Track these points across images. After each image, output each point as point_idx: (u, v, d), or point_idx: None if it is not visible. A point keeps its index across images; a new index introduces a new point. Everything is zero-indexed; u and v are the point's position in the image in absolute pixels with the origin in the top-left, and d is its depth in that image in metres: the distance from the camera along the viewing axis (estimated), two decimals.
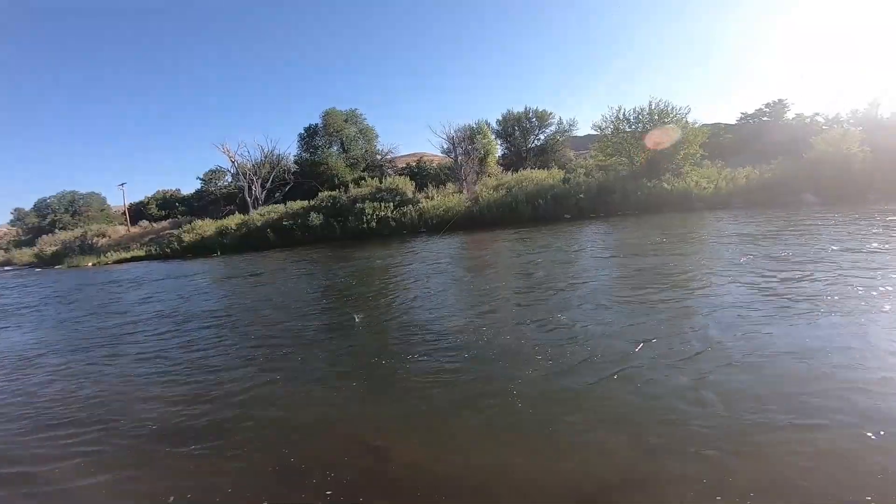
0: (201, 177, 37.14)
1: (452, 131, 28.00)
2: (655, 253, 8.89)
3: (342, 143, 34.71)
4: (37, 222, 41.93)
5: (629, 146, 23.32)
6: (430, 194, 23.77)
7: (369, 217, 21.65)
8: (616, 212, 19.72)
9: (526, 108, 36.47)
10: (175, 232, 27.86)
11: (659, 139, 21.93)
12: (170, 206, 38.68)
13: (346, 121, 35.11)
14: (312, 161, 33.58)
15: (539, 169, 26.35)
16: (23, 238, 41.70)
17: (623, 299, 5.78)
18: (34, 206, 44.01)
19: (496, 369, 3.98)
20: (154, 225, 32.96)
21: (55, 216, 41.23)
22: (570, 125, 36.70)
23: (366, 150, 35.30)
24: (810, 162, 17.70)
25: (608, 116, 24.64)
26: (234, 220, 25.70)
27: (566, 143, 36.37)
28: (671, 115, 22.67)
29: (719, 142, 27.12)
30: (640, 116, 23.46)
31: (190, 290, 11.33)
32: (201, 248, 23.89)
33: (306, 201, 25.15)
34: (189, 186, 44.10)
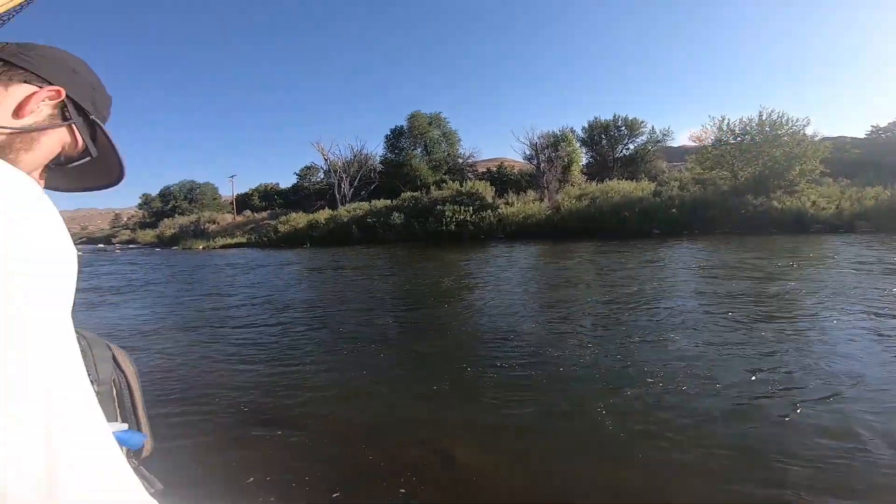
0: (297, 172, 40.60)
1: (535, 137, 27.64)
2: (769, 277, 7.97)
3: (426, 146, 35.86)
4: (160, 207, 48.51)
5: (732, 159, 21.34)
6: (510, 200, 23.64)
7: (448, 220, 22.07)
8: (713, 230, 18.07)
9: (615, 116, 34.87)
10: (272, 222, 30.71)
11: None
12: (269, 198, 42.71)
13: (430, 124, 36.22)
14: (397, 162, 35.09)
15: (626, 180, 25.00)
16: (147, 220, 48.55)
17: (727, 324, 5.23)
18: (159, 192, 50.99)
19: (574, 386, 3.84)
20: (255, 215, 36.64)
21: (175, 202, 47.41)
22: (664, 135, 34.48)
23: (448, 154, 36.09)
24: None
25: (709, 127, 22.89)
26: (323, 215, 27.67)
27: (658, 153, 34.12)
28: (785, 128, 20.30)
29: (843, 157, 23.72)
30: (748, 128, 21.36)
31: (285, 278, 12.39)
32: (293, 239, 26.05)
33: (389, 200, 26.32)
34: (286, 181, 48.41)
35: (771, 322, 5.25)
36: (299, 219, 28.52)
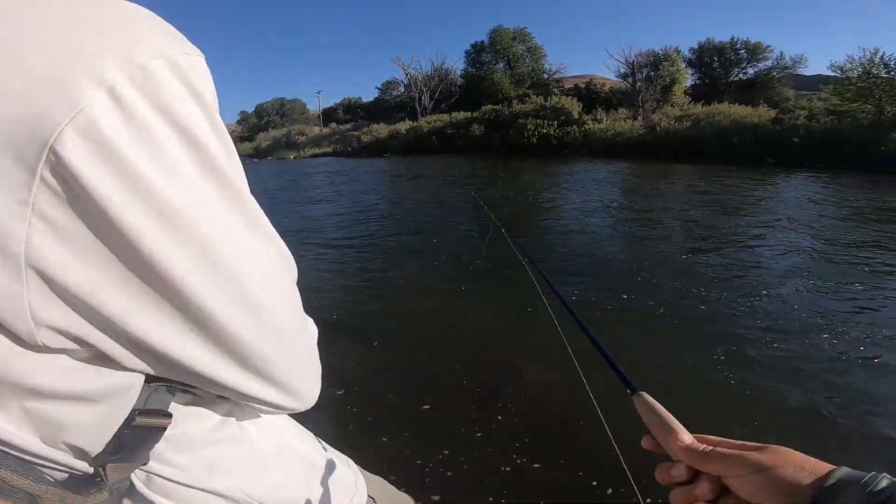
0: (379, 87, 40.65)
1: (633, 56, 24.94)
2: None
3: (508, 61, 33.77)
4: (256, 122, 51.75)
5: (881, 93, 17.89)
6: (598, 117, 21.99)
7: (530, 133, 21.23)
8: (842, 165, 15.56)
9: (733, 39, 29.78)
10: (356, 133, 31.63)
11: None
12: (353, 111, 43.72)
13: (513, 39, 33.82)
14: (478, 76, 33.64)
15: (741, 105, 21.90)
16: (244, 134, 52.30)
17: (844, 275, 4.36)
18: (255, 109, 54.19)
19: (647, 309, 3.64)
20: (340, 127, 37.90)
21: (269, 117, 50.25)
22: (795, 61, 29.00)
23: (532, 69, 33.79)
24: None
25: (858, 57, 19.10)
26: (403, 126, 27.90)
27: (786, 80, 29.10)
28: None
29: None
30: None
31: (367, 184, 12.92)
32: (376, 148, 26.82)
33: (469, 113, 25.71)
34: (368, 95, 48.79)
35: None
36: (381, 130, 29.05)
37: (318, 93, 43.27)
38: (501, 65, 33.98)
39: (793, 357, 2.87)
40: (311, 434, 0.61)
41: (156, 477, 0.37)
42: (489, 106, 25.64)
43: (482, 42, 34.75)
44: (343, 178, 14.99)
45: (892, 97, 17.99)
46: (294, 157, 31.57)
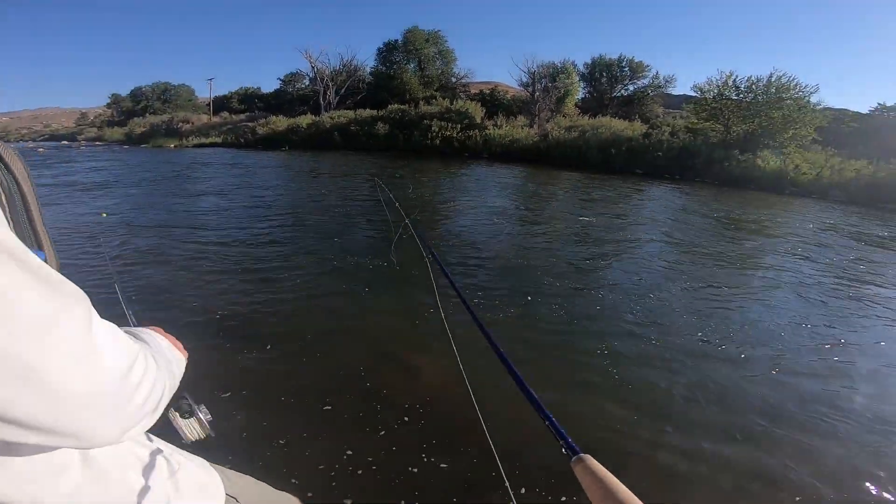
0: (281, 78, 38.07)
1: (534, 66, 26.50)
2: (733, 227, 8.11)
3: (420, 62, 33.84)
4: (130, 107, 45.35)
5: (730, 114, 20.98)
6: (499, 123, 22.96)
7: (434, 134, 21.43)
8: (694, 178, 18.14)
9: (620, 56, 33.33)
10: (251, 125, 29.19)
11: None
12: (249, 101, 40.31)
13: (427, 40, 33.98)
14: (388, 75, 33.19)
15: (620, 119, 24.45)
16: (115, 119, 45.47)
17: (680, 270, 5.15)
18: (130, 92, 47.37)
19: (529, 299, 3.91)
20: (233, 116, 34.68)
21: (147, 102, 44.30)
22: (667, 81, 33.30)
23: (442, 72, 34.26)
24: None
25: (715, 80, 22.17)
26: (305, 120, 26.43)
27: (657, 98, 33.20)
28: (790, 92, 19.81)
29: (840, 128, 23.58)
30: (754, 87, 20.77)
31: (263, 179, 11.86)
32: (272, 142, 25.01)
33: (375, 111, 25.20)
34: (269, 86, 45.41)
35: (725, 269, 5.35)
36: (279, 122, 27.20)
37: (210, 79, 39.05)
38: (412, 65, 33.90)
39: (664, 348, 3.19)
40: (156, 438, 0.66)
41: None
42: (396, 105, 25.39)
43: (396, 41, 34.40)
44: (235, 171, 13.63)
45: (738, 118, 20.75)
46: (175, 146, 28.22)
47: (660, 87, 33.31)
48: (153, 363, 0.48)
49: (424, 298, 3.68)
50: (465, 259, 5.07)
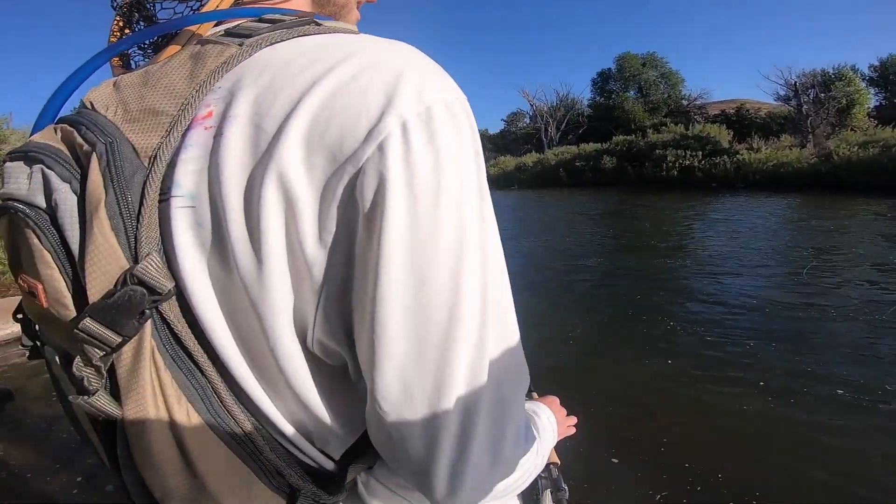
0: (504, 118, 42.33)
1: (794, 77, 22.20)
2: None
3: (640, 88, 32.51)
4: None
5: None
6: (754, 145, 19.98)
7: (670, 165, 20.17)
8: None
9: None
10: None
11: None
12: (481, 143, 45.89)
13: (643, 65, 32.49)
14: (606, 105, 33.02)
15: None
16: None
17: None
18: None
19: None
20: None
21: None
22: None
23: (668, 96, 32.01)
24: None
25: None
26: (530, 158, 28.60)
27: None
28: None
29: None
30: None
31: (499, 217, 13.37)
32: (502, 181, 27.86)
33: (599, 144, 25.37)
34: (494, 127, 50.94)
35: None
36: (508, 162, 30.16)
37: None
38: (632, 92, 32.94)
39: None
40: None
41: (373, 480, 0.39)
42: (621, 136, 25.02)
43: (609, 69, 34.21)
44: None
45: None
46: None
47: None
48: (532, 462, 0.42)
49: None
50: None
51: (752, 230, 9.29)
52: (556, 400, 0.66)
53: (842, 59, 49.88)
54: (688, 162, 19.87)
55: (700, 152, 20.06)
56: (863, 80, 24.81)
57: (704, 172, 19.19)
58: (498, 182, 28.12)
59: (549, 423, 0.55)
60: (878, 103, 25.77)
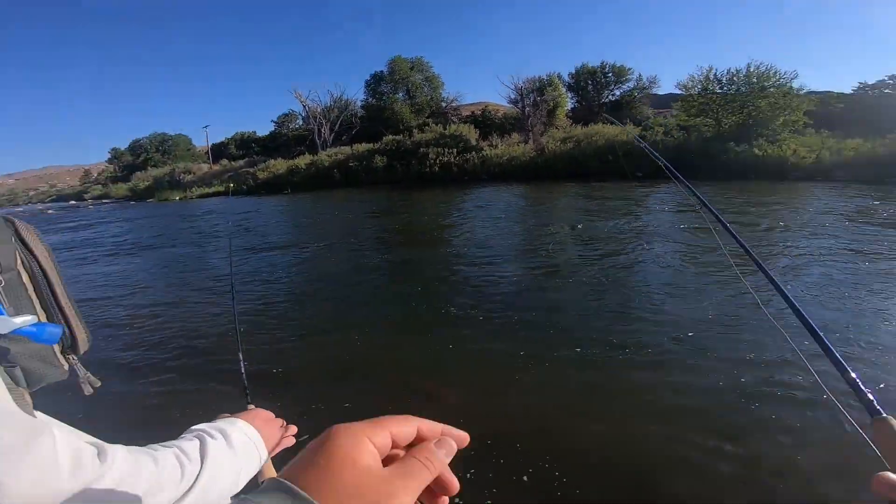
0: (275, 120, 38.95)
1: (521, 82, 27.04)
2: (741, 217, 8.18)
3: (408, 90, 34.57)
4: (131, 160, 46.19)
5: (717, 108, 21.29)
6: (494, 143, 23.31)
7: (432, 162, 21.76)
8: (695, 175, 18.21)
9: (602, 63, 34.15)
10: (251, 170, 29.70)
11: None
12: (247, 146, 41.06)
13: (411, 68, 34.82)
14: (378, 106, 33.88)
15: (611, 125, 24.77)
16: (118, 174, 46.33)
17: (688, 271, 5.32)
18: (129, 145, 48.34)
19: (551, 328, 3.89)
20: (232, 163, 35.32)
21: (147, 155, 45.16)
22: (651, 82, 33.93)
23: (431, 98, 34.95)
24: None
25: (696, 76, 22.55)
26: (303, 160, 26.90)
27: (644, 100, 33.70)
28: (772, 80, 20.16)
29: (828, 111, 23.75)
30: (735, 78, 21.13)
31: (269, 223, 12.12)
32: (273, 186, 25.40)
33: (371, 144, 25.66)
34: (264, 129, 46.44)
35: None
36: (279, 165, 27.70)
37: (206, 127, 40.03)
38: (401, 94, 34.61)
39: None
40: None
41: None
42: (390, 136, 25.85)
43: (381, 72, 35.22)
44: (238, 220, 13.78)
45: (727, 111, 21.02)
46: (181, 198, 28.67)
47: (645, 88, 33.92)
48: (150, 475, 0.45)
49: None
50: (464, 285, 5.15)
51: (506, 215, 10.76)
52: (263, 413, 0.70)
53: (552, 67, 64.22)
54: (446, 159, 21.79)
55: (455, 149, 22.28)
56: (563, 85, 32.04)
57: (459, 168, 21.41)
58: (269, 187, 25.53)
59: (245, 436, 0.61)
60: (573, 105, 33.83)
